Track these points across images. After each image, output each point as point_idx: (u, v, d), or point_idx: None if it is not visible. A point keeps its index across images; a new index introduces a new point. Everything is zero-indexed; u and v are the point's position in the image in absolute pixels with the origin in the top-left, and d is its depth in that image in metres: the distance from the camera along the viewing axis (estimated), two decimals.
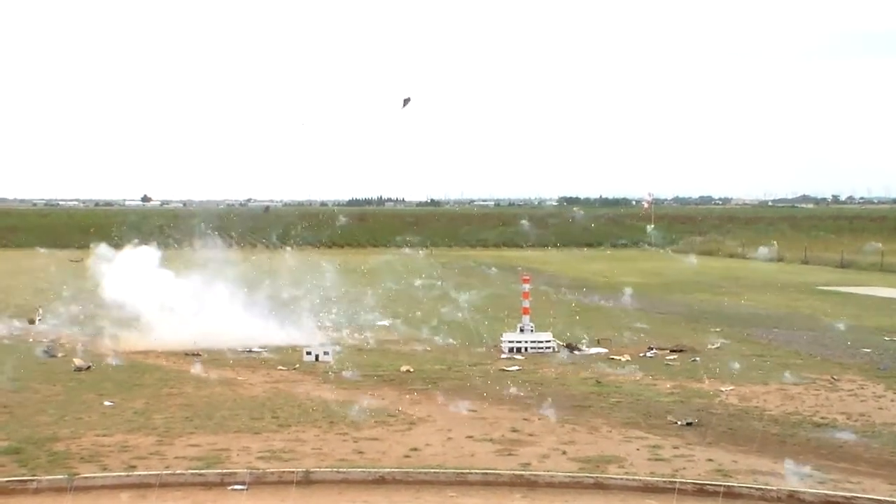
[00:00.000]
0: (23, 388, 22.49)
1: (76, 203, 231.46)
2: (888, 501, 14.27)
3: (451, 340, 30.26)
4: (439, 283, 49.20)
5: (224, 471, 15.62)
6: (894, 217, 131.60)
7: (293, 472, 15.55)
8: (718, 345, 29.83)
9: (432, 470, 15.77)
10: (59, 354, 27.13)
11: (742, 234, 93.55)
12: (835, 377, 24.45)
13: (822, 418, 19.87)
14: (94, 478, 15.29)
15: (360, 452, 16.83)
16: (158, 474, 15.39)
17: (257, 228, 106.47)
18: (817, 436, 18.39)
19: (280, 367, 25.85)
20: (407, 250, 68.51)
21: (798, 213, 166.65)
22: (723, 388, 22.90)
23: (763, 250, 71.40)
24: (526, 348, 28.51)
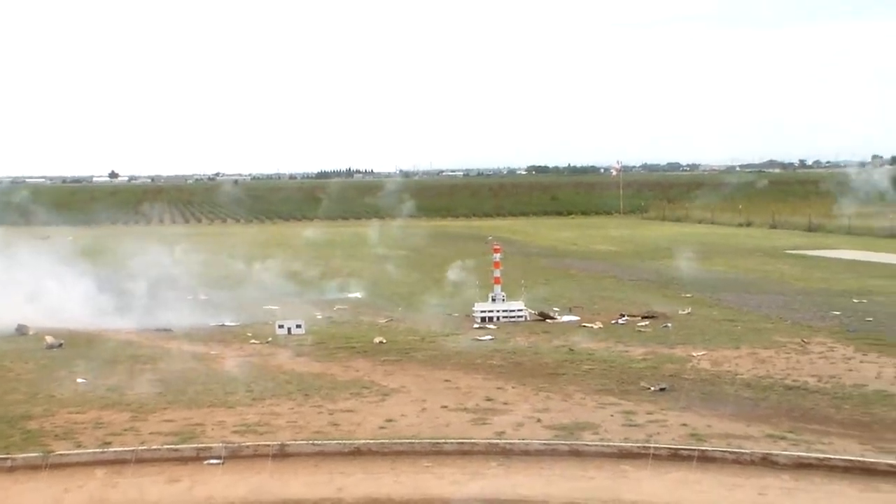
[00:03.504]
0: None
1: (42, 180, 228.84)
2: (860, 461, 14.42)
3: (423, 311, 30.20)
4: (410, 253, 49.19)
5: (199, 445, 15.57)
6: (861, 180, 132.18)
7: (269, 445, 15.53)
8: (689, 310, 29.97)
9: (407, 440, 15.78)
10: (30, 332, 26.91)
11: (710, 200, 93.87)
12: (805, 340, 24.63)
13: (794, 381, 20.01)
14: (68, 455, 15.22)
15: (336, 425, 16.81)
16: (133, 450, 15.34)
17: (223, 203, 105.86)
18: (789, 398, 18.54)
19: (253, 341, 25.77)
20: (376, 221, 68.10)
21: (765, 178, 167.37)
22: (695, 354, 23.02)
23: None
24: (498, 318, 28.53)
